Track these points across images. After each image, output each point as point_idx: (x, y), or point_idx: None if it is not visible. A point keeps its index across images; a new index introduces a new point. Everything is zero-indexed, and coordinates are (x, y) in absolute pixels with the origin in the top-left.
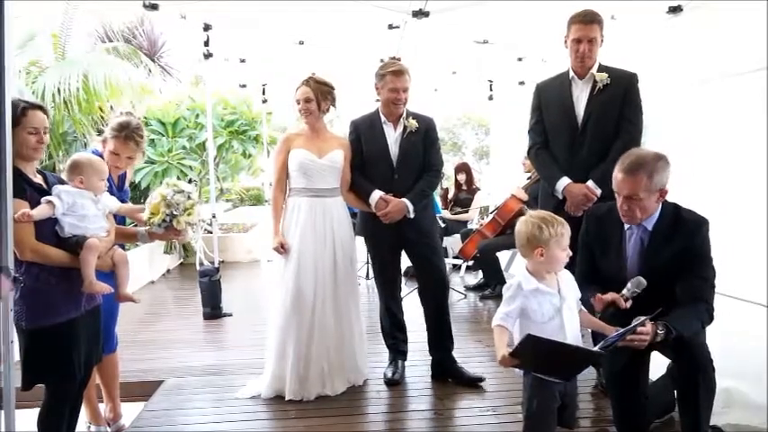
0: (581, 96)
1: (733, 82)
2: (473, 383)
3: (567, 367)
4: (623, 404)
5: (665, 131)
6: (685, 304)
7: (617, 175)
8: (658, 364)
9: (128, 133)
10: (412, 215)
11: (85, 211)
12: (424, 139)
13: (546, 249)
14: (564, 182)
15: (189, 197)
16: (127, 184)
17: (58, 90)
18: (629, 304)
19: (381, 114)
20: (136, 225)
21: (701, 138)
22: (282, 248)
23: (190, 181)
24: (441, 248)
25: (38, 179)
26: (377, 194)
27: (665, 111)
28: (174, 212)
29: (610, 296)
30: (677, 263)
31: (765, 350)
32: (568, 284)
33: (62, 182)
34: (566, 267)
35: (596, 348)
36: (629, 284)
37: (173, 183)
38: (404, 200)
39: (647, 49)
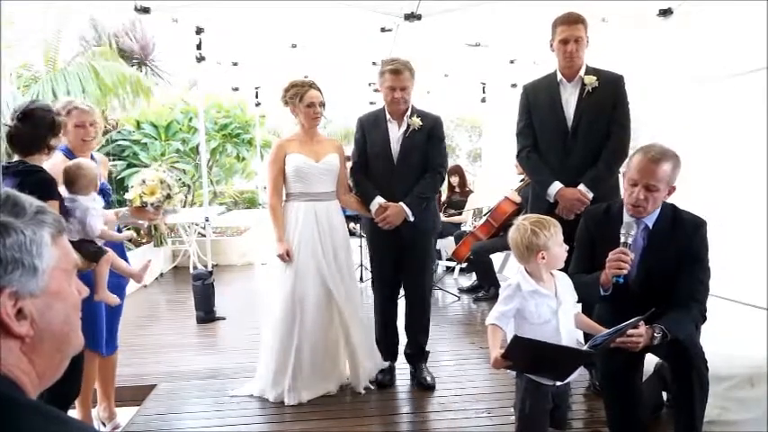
0: (570, 100)
1: (729, 83)
2: (425, 387)
3: (558, 367)
4: (618, 405)
5: (662, 133)
6: (680, 306)
7: (641, 161)
8: (645, 364)
9: (74, 105)
10: (412, 218)
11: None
12: (428, 138)
13: (547, 251)
14: (556, 186)
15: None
16: (103, 178)
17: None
18: (632, 254)
19: (386, 112)
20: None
21: (698, 139)
22: (288, 256)
23: (184, 184)
24: (432, 259)
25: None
26: (377, 202)
27: (660, 112)
28: (171, 193)
29: (616, 257)
30: (675, 263)
31: (765, 354)
32: (565, 287)
33: None
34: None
35: (585, 347)
36: (622, 229)
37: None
38: (401, 204)
39: (639, 51)
